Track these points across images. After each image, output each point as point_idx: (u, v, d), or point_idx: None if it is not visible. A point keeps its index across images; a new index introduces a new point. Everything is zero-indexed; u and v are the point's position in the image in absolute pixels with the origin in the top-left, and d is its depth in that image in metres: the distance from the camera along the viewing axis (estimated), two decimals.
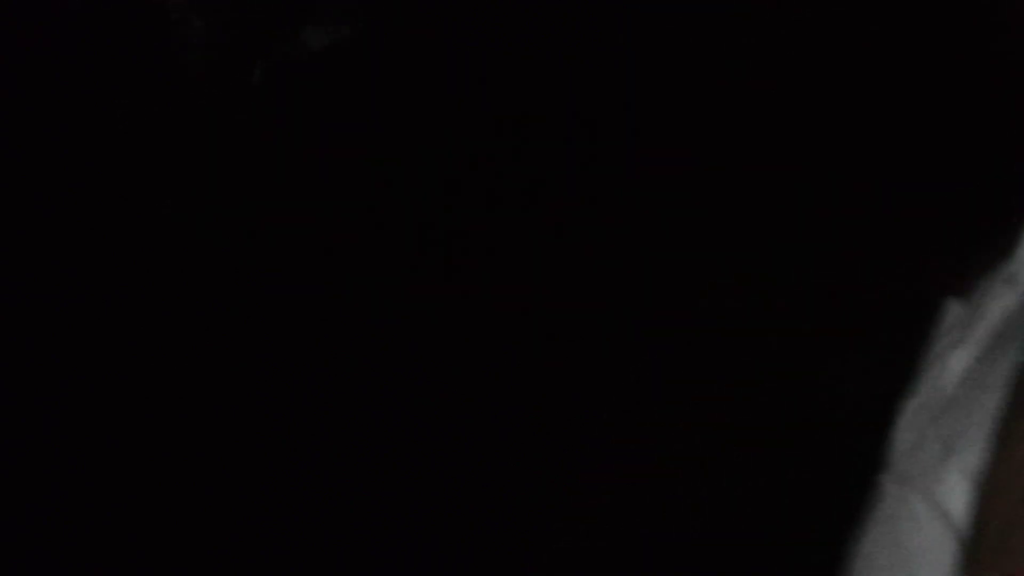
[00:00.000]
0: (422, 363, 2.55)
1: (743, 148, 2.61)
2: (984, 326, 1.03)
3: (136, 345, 2.55)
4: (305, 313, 2.59)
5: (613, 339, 2.56)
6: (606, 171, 2.66)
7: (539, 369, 2.56)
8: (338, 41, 2.56)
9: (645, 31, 2.69)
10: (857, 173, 2.55)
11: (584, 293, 2.56)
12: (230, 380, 2.54)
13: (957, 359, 1.04)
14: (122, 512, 2.45)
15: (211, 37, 2.52)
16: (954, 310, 1.08)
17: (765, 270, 2.52)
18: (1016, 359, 0.98)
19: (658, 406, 2.46)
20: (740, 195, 2.59)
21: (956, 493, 1.01)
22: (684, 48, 2.67)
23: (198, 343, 2.56)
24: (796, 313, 2.48)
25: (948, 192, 2.45)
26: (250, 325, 2.58)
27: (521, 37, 2.70)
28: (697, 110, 2.66)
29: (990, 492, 0.99)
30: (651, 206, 2.62)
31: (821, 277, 2.50)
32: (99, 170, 2.65)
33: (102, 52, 2.63)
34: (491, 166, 2.67)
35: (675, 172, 2.62)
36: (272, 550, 2.43)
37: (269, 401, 2.52)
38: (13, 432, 2.47)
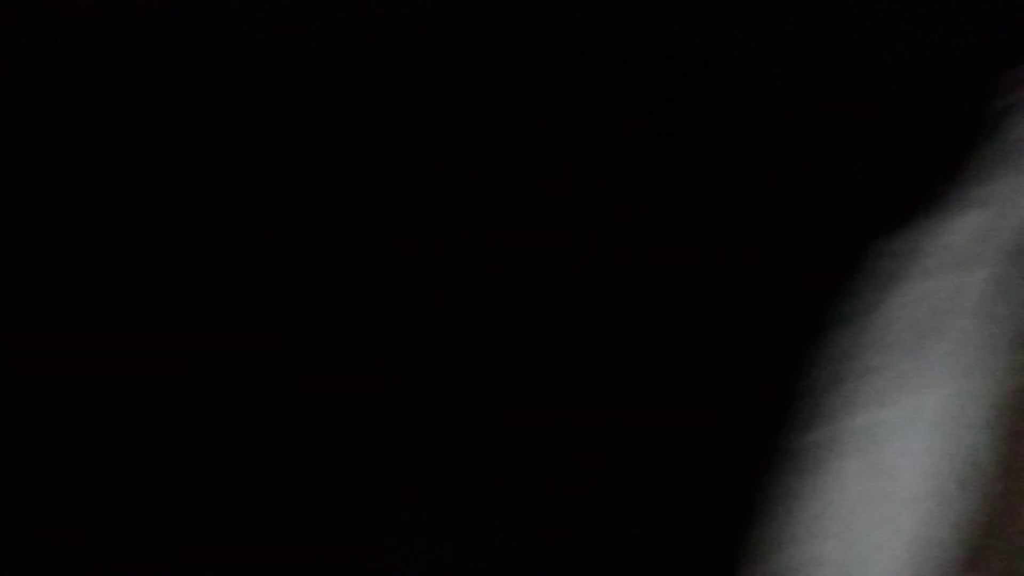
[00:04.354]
0: (419, 362, 2.55)
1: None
2: (953, 250, 1.03)
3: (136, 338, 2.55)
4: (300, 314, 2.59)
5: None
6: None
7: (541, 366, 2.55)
8: None
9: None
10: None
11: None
12: (230, 379, 2.54)
13: (920, 283, 1.04)
14: (122, 512, 2.45)
15: None
16: (901, 241, 1.08)
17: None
18: (989, 274, 0.98)
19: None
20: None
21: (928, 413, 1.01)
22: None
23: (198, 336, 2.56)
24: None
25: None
26: (249, 324, 2.58)
27: None
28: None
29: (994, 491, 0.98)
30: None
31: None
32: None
33: None
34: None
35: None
36: (271, 550, 2.43)
37: (269, 401, 2.53)
38: (13, 432, 2.48)
